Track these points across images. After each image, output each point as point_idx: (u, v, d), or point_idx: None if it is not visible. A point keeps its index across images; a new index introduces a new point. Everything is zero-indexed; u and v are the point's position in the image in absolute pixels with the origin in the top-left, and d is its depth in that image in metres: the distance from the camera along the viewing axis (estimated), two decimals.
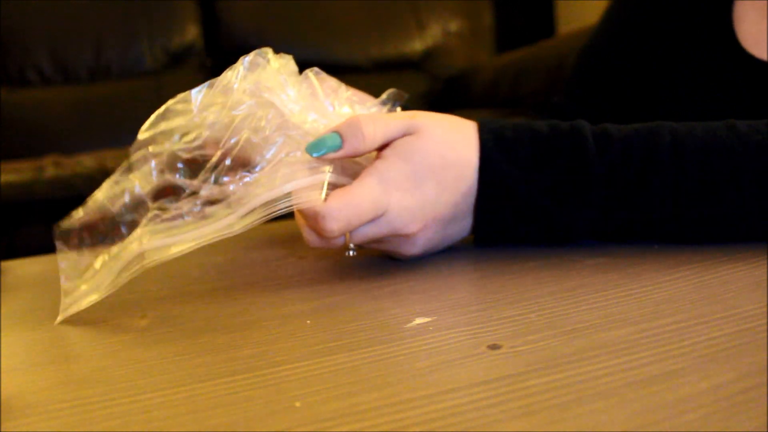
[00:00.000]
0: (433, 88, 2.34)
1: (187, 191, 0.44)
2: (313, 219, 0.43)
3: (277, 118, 0.44)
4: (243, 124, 0.44)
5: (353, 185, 0.43)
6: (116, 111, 2.08)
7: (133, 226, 0.43)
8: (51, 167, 1.59)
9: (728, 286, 0.37)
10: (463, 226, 0.48)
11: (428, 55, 2.40)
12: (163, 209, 0.43)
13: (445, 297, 0.40)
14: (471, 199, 0.46)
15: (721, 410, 0.24)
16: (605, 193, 0.45)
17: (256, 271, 0.52)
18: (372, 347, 0.33)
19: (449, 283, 0.43)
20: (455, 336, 0.34)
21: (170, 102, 0.45)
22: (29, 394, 0.32)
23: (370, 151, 0.45)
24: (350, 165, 0.47)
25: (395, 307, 0.39)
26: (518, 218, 0.47)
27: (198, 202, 0.43)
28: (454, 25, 2.44)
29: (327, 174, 0.44)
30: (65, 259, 0.45)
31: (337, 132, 0.44)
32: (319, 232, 0.43)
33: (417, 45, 2.40)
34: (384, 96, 0.55)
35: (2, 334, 0.41)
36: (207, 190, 0.43)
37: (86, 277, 0.43)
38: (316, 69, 0.50)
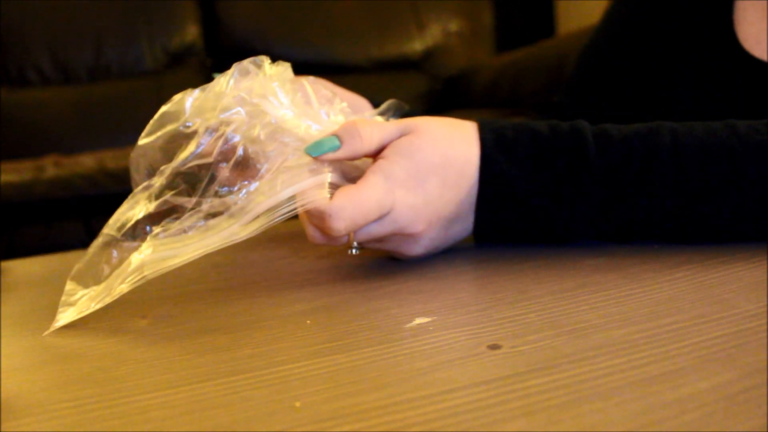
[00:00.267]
0: (433, 88, 2.34)
1: (189, 208, 0.43)
2: (318, 218, 0.42)
3: (270, 125, 0.44)
4: (237, 131, 0.44)
5: (358, 184, 0.43)
6: (116, 111, 2.08)
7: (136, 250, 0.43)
8: (51, 167, 1.59)
9: (728, 286, 0.37)
10: (464, 227, 0.48)
11: (428, 55, 2.40)
12: (166, 228, 0.43)
13: (445, 297, 0.40)
14: (472, 198, 0.46)
15: (721, 410, 0.24)
16: (605, 192, 0.45)
17: (256, 271, 0.52)
18: (372, 347, 0.33)
19: (449, 283, 0.43)
20: (455, 336, 0.34)
21: (165, 107, 0.45)
22: (29, 394, 0.32)
23: (368, 153, 0.45)
24: (349, 170, 0.47)
25: (395, 307, 0.39)
26: (518, 217, 0.47)
27: (200, 216, 0.43)
28: (454, 25, 2.44)
29: (328, 174, 0.44)
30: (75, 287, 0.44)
31: (335, 135, 0.45)
32: (324, 230, 0.43)
33: (417, 45, 2.40)
34: (383, 106, 0.55)
35: (2, 334, 0.41)
36: (208, 204, 0.43)
37: (84, 300, 0.43)
38: (311, 78, 0.50)
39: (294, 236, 0.62)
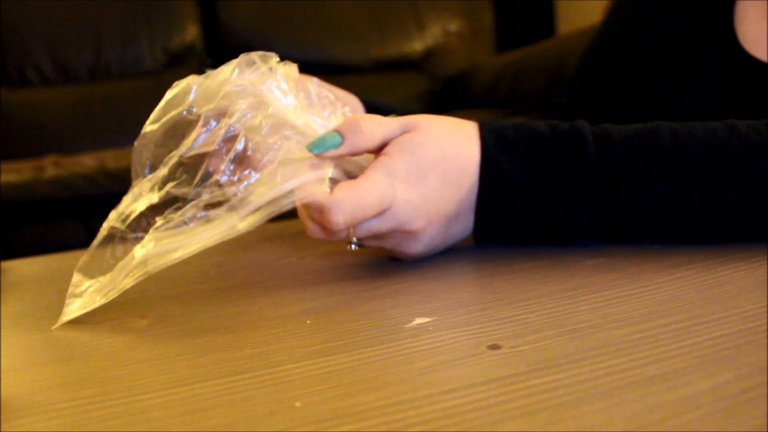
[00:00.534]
0: (433, 88, 2.34)
1: (190, 198, 0.44)
2: (318, 212, 0.42)
3: (272, 117, 0.44)
4: (238, 120, 0.44)
5: (359, 179, 0.43)
6: (116, 111, 2.08)
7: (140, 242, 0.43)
8: (51, 167, 1.59)
9: (728, 286, 0.37)
10: (464, 226, 0.48)
11: (428, 55, 2.40)
12: (168, 220, 0.43)
13: (445, 297, 0.40)
14: (473, 197, 0.46)
15: (721, 410, 0.24)
16: (605, 192, 0.45)
17: (256, 271, 0.52)
18: (372, 347, 0.33)
19: (449, 283, 0.43)
20: (455, 336, 0.34)
21: (170, 92, 0.45)
22: (29, 394, 0.32)
23: (369, 149, 0.45)
24: (350, 167, 0.47)
25: (395, 307, 0.39)
26: (518, 217, 0.47)
27: (201, 205, 0.43)
28: (454, 25, 2.44)
29: (329, 170, 0.44)
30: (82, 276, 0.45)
31: (336, 130, 0.45)
32: (324, 224, 0.43)
33: (417, 45, 2.40)
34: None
35: (2, 334, 0.41)
36: (208, 194, 0.43)
37: (90, 291, 0.43)
38: (316, 80, 0.50)
39: (294, 236, 0.62)
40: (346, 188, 0.42)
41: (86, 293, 0.43)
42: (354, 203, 0.42)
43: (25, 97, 2.09)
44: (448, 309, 0.38)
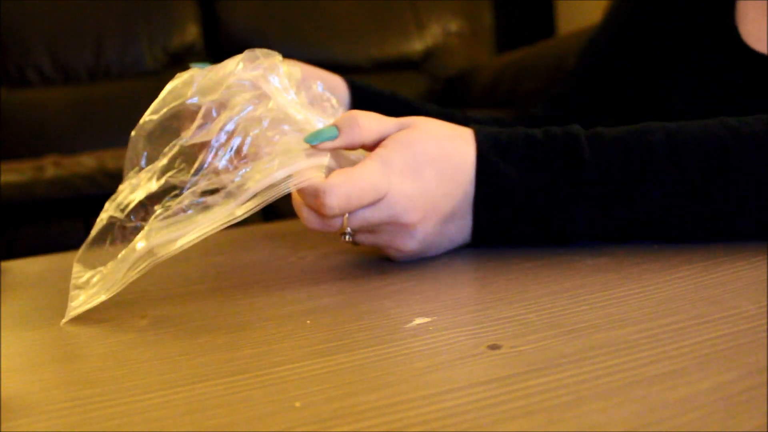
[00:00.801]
0: (433, 88, 2.34)
1: (188, 185, 0.44)
2: (313, 196, 0.43)
3: (272, 111, 0.45)
4: (239, 113, 0.44)
5: (355, 167, 0.43)
6: (116, 111, 2.08)
7: (140, 231, 0.44)
8: (51, 167, 1.59)
9: (728, 286, 0.37)
10: (462, 226, 0.48)
11: (428, 55, 2.40)
12: (166, 207, 0.43)
13: (445, 297, 0.40)
14: (469, 198, 0.46)
15: (721, 410, 0.24)
16: (601, 190, 0.45)
17: (256, 271, 0.52)
18: (372, 347, 0.33)
19: (449, 283, 0.43)
20: (455, 336, 0.34)
21: (172, 83, 0.46)
22: (29, 394, 0.32)
23: (365, 143, 0.46)
24: (345, 164, 0.47)
25: (395, 307, 0.39)
26: (517, 218, 0.47)
27: (198, 192, 0.43)
28: (454, 25, 2.44)
29: (326, 158, 0.44)
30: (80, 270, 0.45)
31: (334, 125, 0.45)
32: (318, 209, 0.43)
33: (417, 45, 2.40)
34: None
35: (2, 334, 0.41)
36: (206, 181, 0.43)
37: (94, 282, 0.43)
38: (320, 83, 0.50)
39: (294, 236, 0.62)
40: (341, 173, 0.43)
41: (89, 285, 0.43)
42: (349, 188, 0.42)
43: (25, 97, 2.09)
44: (448, 309, 0.38)
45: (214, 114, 0.45)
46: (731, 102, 0.54)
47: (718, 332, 0.31)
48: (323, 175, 0.43)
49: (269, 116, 0.45)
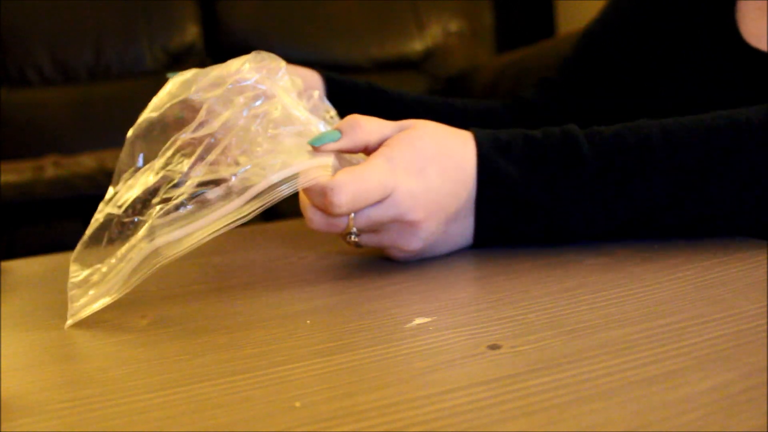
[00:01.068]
0: (433, 88, 2.34)
1: (185, 176, 0.44)
2: (320, 194, 0.43)
3: (276, 110, 0.45)
4: (242, 109, 0.45)
5: (360, 165, 0.43)
6: (116, 111, 2.08)
7: (138, 226, 0.43)
8: (51, 167, 1.59)
9: (728, 286, 0.37)
10: (464, 227, 0.48)
11: (428, 55, 2.40)
12: (165, 201, 0.43)
13: (445, 297, 0.40)
14: (472, 198, 0.46)
15: (721, 410, 0.24)
16: (601, 184, 0.45)
17: (256, 271, 0.52)
18: (372, 347, 0.33)
19: (449, 283, 0.43)
20: (455, 336, 0.34)
21: (175, 80, 0.46)
22: (29, 394, 0.32)
23: (367, 144, 0.46)
24: (346, 166, 0.47)
25: (395, 307, 0.39)
26: (517, 217, 0.47)
27: (195, 183, 0.43)
28: (454, 25, 2.44)
29: (331, 157, 0.44)
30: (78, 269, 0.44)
31: (336, 129, 0.46)
32: (325, 207, 0.43)
33: (417, 45, 2.40)
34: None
35: (2, 334, 0.41)
36: (204, 169, 0.43)
37: (93, 281, 0.43)
38: (319, 93, 0.51)
39: (294, 236, 0.62)
40: (348, 171, 0.43)
41: (87, 283, 0.43)
42: (356, 185, 0.42)
43: (25, 97, 2.09)
44: (448, 309, 0.38)
45: (216, 110, 0.45)
46: (731, 100, 0.54)
47: (718, 332, 0.31)
48: (330, 174, 0.43)
49: (272, 114, 0.45)
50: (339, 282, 0.46)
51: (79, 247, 0.45)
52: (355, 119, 0.46)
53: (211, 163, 0.44)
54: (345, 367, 0.31)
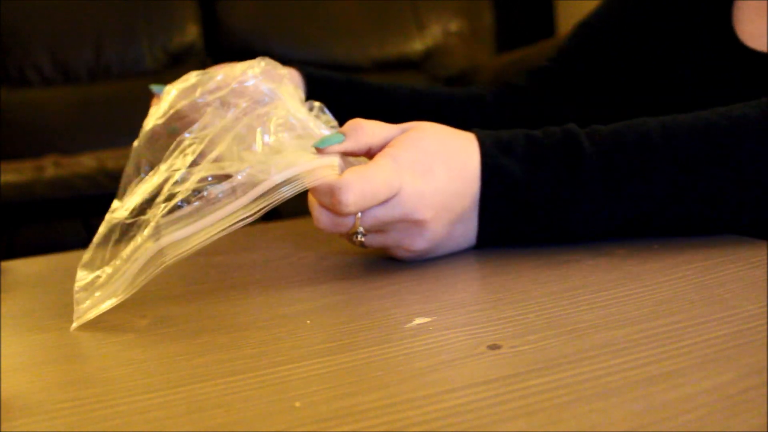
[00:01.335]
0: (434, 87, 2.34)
1: (187, 173, 0.44)
2: (328, 194, 0.43)
3: (280, 110, 0.45)
4: (246, 111, 0.45)
5: (367, 165, 0.44)
6: (116, 111, 2.08)
7: (142, 225, 0.43)
8: (51, 167, 1.59)
9: (728, 286, 0.37)
10: (468, 228, 0.48)
11: (428, 55, 2.40)
12: (169, 198, 0.43)
13: (445, 297, 0.40)
14: (476, 197, 0.47)
15: (721, 410, 0.24)
16: (602, 182, 0.45)
17: (256, 271, 0.52)
18: (372, 347, 0.33)
19: (449, 283, 0.43)
20: (455, 336, 0.34)
21: (181, 84, 0.46)
22: (29, 394, 0.32)
23: (371, 145, 0.46)
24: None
25: (395, 307, 0.39)
26: (521, 216, 0.47)
27: (196, 179, 0.43)
28: (454, 25, 2.44)
29: (336, 158, 0.44)
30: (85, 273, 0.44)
31: (339, 132, 0.46)
32: (333, 207, 0.43)
33: (417, 45, 2.40)
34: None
35: (2, 334, 0.41)
36: (207, 165, 0.43)
37: (99, 283, 0.43)
38: (320, 105, 0.51)
39: (294, 236, 0.62)
40: (355, 171, 0.43)
41: (93, 286, 0.43)
42: (364, 184, 0.42)
43: (25, 97, 2.09)
44: (448, 309, 0.38)
45: (220, 111, 0.45)
46: (726, 99, 0.54)
47: (718, 332, 0.31)
48: (337, 174, 0.43)
49: (276, 116, 0.45)
50: (339, 282, 0.46)
51: (87, 254, 0.44)
52: (358, 122, 0.46)
53: (214, 160, 0.44)
54: (345, 367, 0.31)
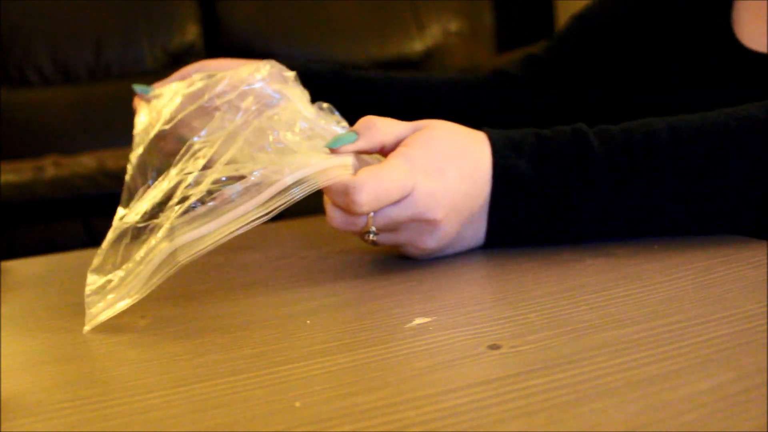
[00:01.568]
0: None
1: (201, 175, 0.43)
2: (342, 193, 0.43)
3: (289, 112, 0.45)
4: (257, 114, 0.45)
5: (381, 164, 0.44)
6: (116, 111, 2.07)
7: (155, 228, 0.43)
8: (51, 167, 1.59)
9: (728, 286, 0.37)
10: (477, 229, 0.48)
11: (428, 55, 2.40)
12: (183, 200, 0.42)
13: (445, 297, 0.40)
14: (487, 198, 0.47)
15: (721, 410, 0.24)
16: (611, 178, 0.45)
17: (256, 271, 0.52)
18: (372, 347, 0.33)
19: (449, 283, 0.43)
20: (455, 336, 0.34)
21: (187, 87, 0.46)
22: (29, 394, 0.32)
23: (384, 144, 0.46)
24: (363, 167, 0.47)
25: (395, 307, 0.39)
26: (530, 216, 0.47)
27: (211, 181, 0.42)
28: (454, 25, 2.44)
29: (350, 157, 0.44)
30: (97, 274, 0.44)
31: (352, 131, 0.46)
32: (347, 207, 0.43)
33: (417, 45, 2.40)
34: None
35: (2, 334, 0.41)
36: (221, 167, 0.43)
37: (111, 287, 0.42)
38: (329, 105, 0.51)
39: (294, 235, 0.62)
40: (369, 170, 0.43)
41: (105, 290, 0.42)
42: (378, 185, 0.42)
43: (25, 97, 2.09)
44: (448, 309, 0.38)
45: (229, 114, 0.45)
46: (724, 100, 0.54)
47: (718, 332, 0.31)
48: (351, 173, 0.43)
49: (286, 117, 0.45)
50: (339, 282, 0.46)
51: (96, 259, 0.44)
52: (371, 120, 0.46)
53: (227, 162, 0.43)
54: (345, 367, 0.31)
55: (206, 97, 0.46)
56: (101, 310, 0.41)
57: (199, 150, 0.45)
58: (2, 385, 0.33)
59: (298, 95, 0.48)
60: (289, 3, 2.32)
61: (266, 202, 0.42)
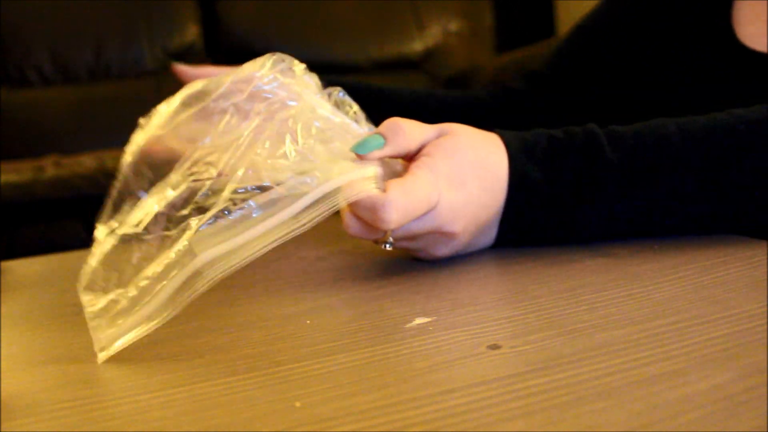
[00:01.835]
0: (433, 89, 2.34)
1: (216, 183, 0.42)
2: (370, 209, 0.42)
3: (306, 113, 0.44)
4: (272, 114, 0.43)
5: (406, 177, 0.43)
6: (116, 111, 2.08)
7: (166, 242, 0.39)
8: (51, 167, 1.59)
9: (728, 286, 0.37)
10: (488, 234, 0.48)
11: (428, 55, 2.40)
12: (200, 210, 0.40)
13: (445, 297, 0.40)
14: (501, 208, 0.46)
15: (721, 410, 0.24)
16: (623, 181, 0.45)
17: (256, 270, 0.52)
18: (372, 347, 0.33)
19: (449, 283, 0.43)
20: (455, 336, 0.34)
21: (188, 91, 0.44)
22: (29, 394, 0.32)
23: (410, 151, 0.45)
24: (388, 170, 0.46)
25: (395, 307, 0.39)
26: (541, 218, 0.47)
27: (232, 188, 0.40)
28: (454, 25, 2.44)
29: (376, 168, 0.43)
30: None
31: (378, 133, 0.45)
32: (375, 223, 0.42)
33: (417, 45, 2.40)
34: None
35: (2, 334, 0.41)
36: (241, 173, 0.41)
37: (119, 308, 0.38)
38: (340, 90, 0.49)
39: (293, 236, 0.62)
40: (398, 186, 0.42)
41: (111, 311, 0.38)
42: (407, 200, 0.41)
43: (25, 97, 2.09)
44: (448, 309, 0.38)
45: (237, 117, 0.44)
46: (725, 101, 0.54)
47: (718, 332, 0.31)
48: (375, 185, 0.42)
49: (302, 117, 0.44)
50: (339, 282, 0.46)
51: (88, 276, 0.40)
52: (397, 124, 0.45)
53: (246, 169, 0.42)
54: (345, 367, 0.31)
55: (207, 99, 0.44)
56: (115, 337, 0.37)
57: (208, 156, 0.43)
58: (2, 385, 0.33)
59: (309, 87, 0.47)
60: (289, 3, 2.33)
61: (293, 218, 0.40)
